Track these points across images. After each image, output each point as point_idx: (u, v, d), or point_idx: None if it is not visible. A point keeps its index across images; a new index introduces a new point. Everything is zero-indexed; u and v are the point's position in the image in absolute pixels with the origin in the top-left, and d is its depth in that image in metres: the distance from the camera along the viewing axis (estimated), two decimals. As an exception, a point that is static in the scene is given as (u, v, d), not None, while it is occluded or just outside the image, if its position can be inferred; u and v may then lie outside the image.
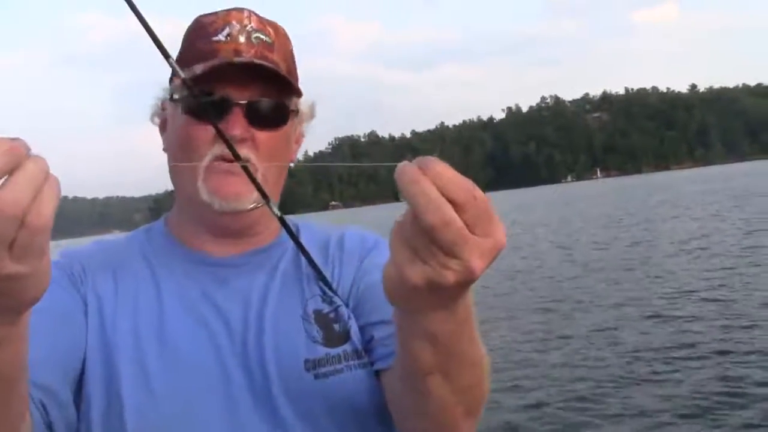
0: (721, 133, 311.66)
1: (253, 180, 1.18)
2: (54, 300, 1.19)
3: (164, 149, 1.41)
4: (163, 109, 1.41)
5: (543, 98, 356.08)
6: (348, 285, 1.39)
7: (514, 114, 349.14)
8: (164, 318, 1.30)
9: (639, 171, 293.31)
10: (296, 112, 1.39)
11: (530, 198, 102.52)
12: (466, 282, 0.83)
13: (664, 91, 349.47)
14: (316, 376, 1.28)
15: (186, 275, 1.36)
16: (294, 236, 1.30)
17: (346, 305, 1.37)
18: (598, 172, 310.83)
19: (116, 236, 1.50)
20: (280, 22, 1.18)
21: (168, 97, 1.38)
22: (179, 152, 1.33)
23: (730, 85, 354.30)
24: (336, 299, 1.36)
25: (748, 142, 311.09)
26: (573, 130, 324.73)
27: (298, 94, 1.38)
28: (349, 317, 1.35)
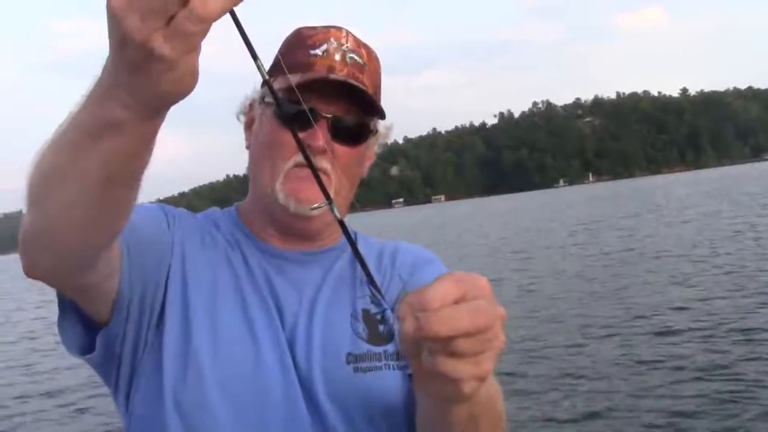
0: (711, 136, 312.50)
1: (320, 183, 1.24)
2: (156, 218, 1.41)
3: (247, 146, 1.50)
4: (251, 108, 1.50)
5: (534, 103, 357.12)
6: (395, 294, 1.47)
7: (506, 119, 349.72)
8: (238, 289, 1.40)
9: (631, 175, 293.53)
10: (374, 132, 1.48)
11: (522, 203, 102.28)
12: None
13: (656, 95, 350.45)
14: (355, 370, 1.35)
15: (253, 259, 1.45)
16: (350, 238, 1.35)
17: (392, 310, 1.45)
18: (590, 176, 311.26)
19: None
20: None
21: (259, 98, 1.47)
22: (265, 152, 1.42)
23: (721, 88, 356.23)
24: (383, 303, 1.44)
25: (739, 145, 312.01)
26: (565, 134, 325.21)
27: (381, 116, 1.47)
28: (394, 321, 1.42)
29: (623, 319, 11.90)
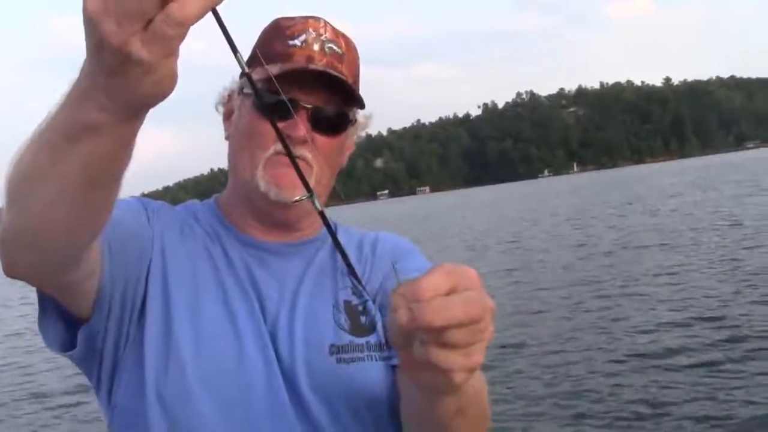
0: (695, 125, 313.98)
1: (300, 174, 1.24)
2: (136, 213, 1.39)
3: (226, 137, 1.49)
4: (229, 99, 1.50)
5: (518, 94, 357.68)
6: (377, 284, 1.48)
7: (490, 110, 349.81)
8: (219, 282, 1.39)
9: (615, 165, 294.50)
10: (354, 121, 1.49)
11: (507, 194, 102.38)
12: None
13: (639, 84, 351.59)
14: (338, 361, 1.36)
15: (233, 251, 1.45)
16: (331, 229, 1.35)
17: (373, 301, 1.46)
18: (575, 166, 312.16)
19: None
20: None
21: (237, 89, 1.47)
22: (244, 142, 1.42)
23: (704, 77, 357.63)
24: (365, 294, 1.45)
25: (723, 134, 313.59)
26: (549, 125, 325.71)
27: (360, 105, 1.47)
28: (376, 312, 1.44)
29: (609, 310, 11.90)
